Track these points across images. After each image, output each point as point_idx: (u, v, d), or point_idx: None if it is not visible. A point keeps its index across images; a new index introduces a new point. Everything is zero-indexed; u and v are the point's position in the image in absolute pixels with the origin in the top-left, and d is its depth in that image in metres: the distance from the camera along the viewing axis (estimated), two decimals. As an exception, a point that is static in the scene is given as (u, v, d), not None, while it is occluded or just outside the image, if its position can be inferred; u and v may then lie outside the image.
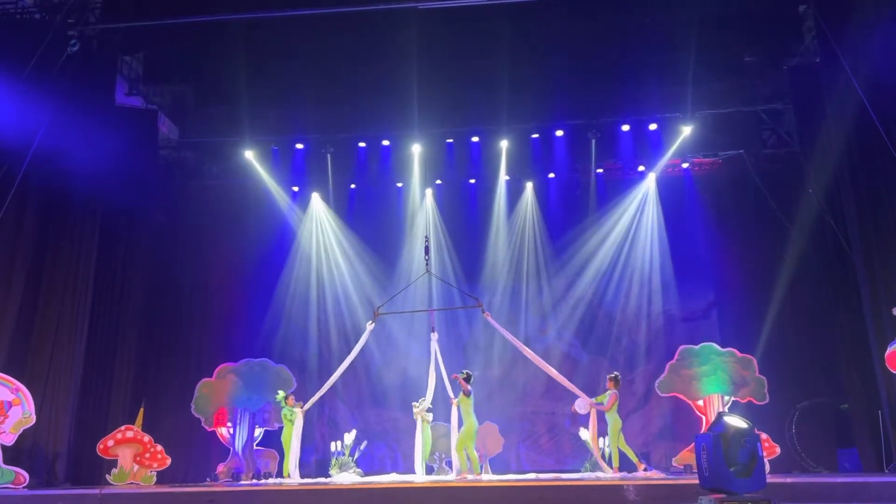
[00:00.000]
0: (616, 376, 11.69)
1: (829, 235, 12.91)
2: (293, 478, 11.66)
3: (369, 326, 12.49)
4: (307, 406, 12.25)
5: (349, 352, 12.89)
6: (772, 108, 14.69)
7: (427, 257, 12.79)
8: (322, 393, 12.43)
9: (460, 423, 11.21)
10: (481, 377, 15.39)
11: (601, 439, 11.86)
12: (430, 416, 12.27)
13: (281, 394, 12.31)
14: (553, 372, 12.25)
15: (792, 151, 14.44)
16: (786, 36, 13.65)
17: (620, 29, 13.40)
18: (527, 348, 12.51)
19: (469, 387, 10.98)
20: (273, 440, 14.06)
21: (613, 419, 11.30)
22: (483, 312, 12.36)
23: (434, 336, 12.14)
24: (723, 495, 5.91)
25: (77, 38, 12.58)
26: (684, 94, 13.84)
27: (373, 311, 12.98)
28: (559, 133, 15.06)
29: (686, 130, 14.53)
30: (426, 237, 13.32)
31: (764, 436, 11.25)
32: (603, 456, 11.82)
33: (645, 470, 11.19)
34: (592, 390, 12.19)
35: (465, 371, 11.28)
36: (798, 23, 13.39)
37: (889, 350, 10.53)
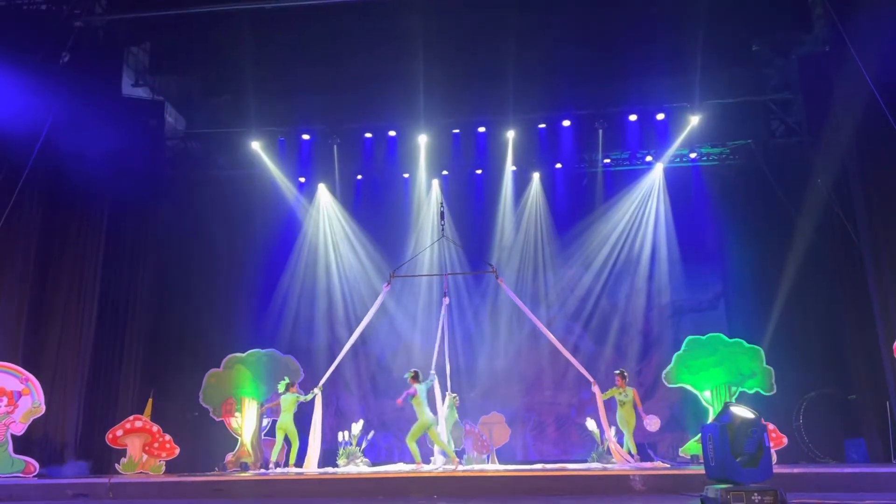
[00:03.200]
0: (623, 372, 11.97)
1: (837, 225, 12.85)
2: (308, 466, 11.68)
3: (385, 289, 12.68)
4: (323, 381, 12.29)
5: (358, 342, 12.99)
6: (780, 97, 14.60)
7: (442, 223, 13.04)
8: (336, 364, 12.50)
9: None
10: (488, 368, 15.44)
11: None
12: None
13: (284, 381, 12.31)
14: (562, 349, 12.35)
15: (800, 141, 14.35)
16: (795, 24, 13.52)
17: (628, 18, 13.30)
18: (539, 321, 12.66)
19: (415, 387, 11.20)
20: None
21: (632, 413, 11.55)
22: (497, 279, 12.55)
23: (445, 301, 12.33)
24: (729, 485, 5.91)
25: (70, 48, 12.55)
26: (692, 84, 13.75)
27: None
28: (566, 123, 15.01)
29: (694, 120, 14.46)
30: (442, 203, 13.51)
31: (771, 426, 11.26)
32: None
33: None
34: (600, 381, 12.21)
35: (412, 370, 11.54)
36: (808, 11, 13.28)
37: (897, 340, 10.50)
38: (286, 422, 11.97)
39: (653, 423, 11.64)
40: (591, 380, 11.95)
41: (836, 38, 11.99)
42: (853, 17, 11.61)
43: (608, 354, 15.26)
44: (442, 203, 13.65)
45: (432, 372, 12.16)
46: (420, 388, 11.24)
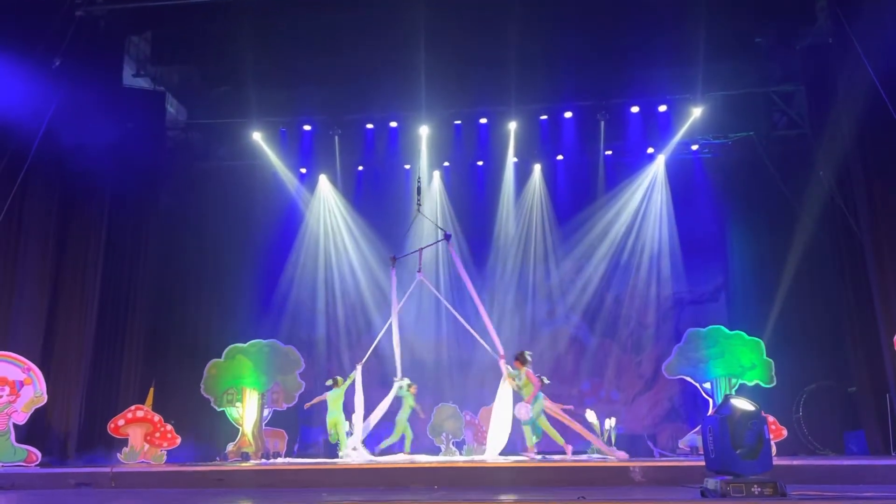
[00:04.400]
0: (523, 354, 11.18)
1: (838, 218, 12.83)
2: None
3: (392, 273, 12.76)
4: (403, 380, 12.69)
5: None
6: (783, 89, 14.58)
7: (419, 198, 12.92)
8: (398, 352, 12.70)
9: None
10: (488, 358, 15.41)
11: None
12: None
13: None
14: (485, 316, 12.16)
15: (802, 133, 14.33)
16: (798, 16, 13.47)
17: (630, 9, 13.25)
18: (473, 289, 12.30)
19: (323, 397, 11.98)
20: (281, 420, 14.21)
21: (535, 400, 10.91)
22: (449, 245, 12.40)
23: (419, 276, 12.55)
24: (729, 477, 5.92)
25: (69, 41, 12.50)
26: (694, 76, 13.71)
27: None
28: (568, 115, 15.00)
29: (696, 112, 14.44)
30: (419, 178, 13.47)
31: (771, 418, 11.27)
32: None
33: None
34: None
35: (333, 378, 12.17)
36: (811, 3, 13.21)
37: (898, 333, 10.50)
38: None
39: (520, 411, 10.82)
40: (501, 354, 11.36)
41: (839, 29, 11.94)
42: (856, 9, 11.56)
43: (609, 346, 15.27)
44: (419, 179, 13.50)
45: (359, 366, 12.25)
46: (331, 394, 11.94)
